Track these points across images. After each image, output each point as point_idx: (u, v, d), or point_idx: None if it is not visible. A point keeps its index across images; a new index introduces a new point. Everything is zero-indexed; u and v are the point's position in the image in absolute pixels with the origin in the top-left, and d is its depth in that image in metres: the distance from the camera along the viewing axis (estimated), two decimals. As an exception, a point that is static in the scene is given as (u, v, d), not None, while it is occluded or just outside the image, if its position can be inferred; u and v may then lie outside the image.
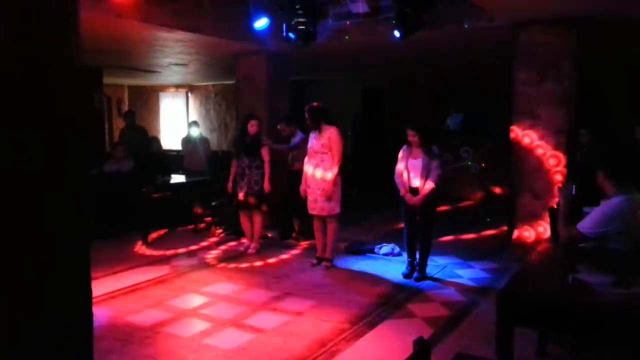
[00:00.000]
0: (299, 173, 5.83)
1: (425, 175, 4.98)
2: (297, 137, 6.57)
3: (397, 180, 5.18)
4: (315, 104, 5.58)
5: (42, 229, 1.70)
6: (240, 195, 6.01)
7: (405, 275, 5.25)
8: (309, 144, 5.55)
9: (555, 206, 3.93)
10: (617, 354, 2.82)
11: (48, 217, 1.72)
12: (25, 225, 1.65)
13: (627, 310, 2.42)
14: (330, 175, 5.37)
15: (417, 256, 5.24)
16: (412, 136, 5.05)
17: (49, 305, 1.75)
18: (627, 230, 3.08)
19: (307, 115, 5.50)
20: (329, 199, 5.40)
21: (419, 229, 5.18)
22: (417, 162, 5.04)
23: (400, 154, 5.19)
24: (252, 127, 6.01)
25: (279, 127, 6.73)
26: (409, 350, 1.85)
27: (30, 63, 1.67)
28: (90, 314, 1.86)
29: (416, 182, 5.04)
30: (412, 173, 5.07)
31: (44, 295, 1.73)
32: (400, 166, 5.16)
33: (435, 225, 5.29)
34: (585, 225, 3.17)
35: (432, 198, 5.05)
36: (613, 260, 3.00)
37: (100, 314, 4.30)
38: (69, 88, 1.78)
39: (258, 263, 5.85)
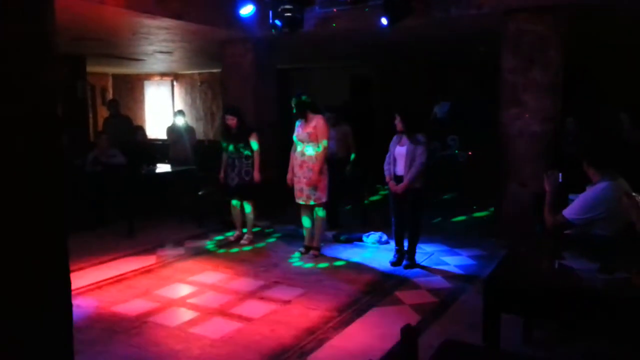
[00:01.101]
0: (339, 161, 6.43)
1: (409, 163, 5.00)
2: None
3: (384, 167, 5.20)
4: (300, 94, 5.52)
5: (17, 219, 1.66)
6: (231, 186, 5.98)
7: (393, 264, 5.27)
8: (295, 133, 5.51)
9: (541, 193, 3.95)
10: (602, 339, 2.86)
11: (23, 207, 1.68)
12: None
13: (611, 296, 2.45)
14: (316, 163, 5.35)
15: (406, 244, 5.27)
16: (397, 121, 5.07)
17: (26, 298, 1.71)
18: (611, 216, 3.11)
19: (297, 105, 5.42)
20: (315, 187, 5.38)
21: (407, 217, 5.20)
22: (402, 150, 5.07)
23: (391, 143, 5.21)
24: (230, 121, 5.93)
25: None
26: (396, 337, 1.85)
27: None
28: (69, 307, 1.83)
29: (401, 170, 5.06)
30: (398, 161, 5.09)
31: (20, 287, 1.69)
32: (388, 154, 5.19)
33: (422, 212, 5.31)
34: (570, 211, 3.20)
35: (418, 186, 5.07)
36: (598, 246, 3.03)
37: (86, 304, 4.27)
38: (44, 76, 1.73)
39: (245, 252, 5.83)
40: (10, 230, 1.62)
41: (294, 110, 5.44)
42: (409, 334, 1.79)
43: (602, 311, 2.42)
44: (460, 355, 1.92)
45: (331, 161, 6.39)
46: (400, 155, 5.07)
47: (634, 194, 3.21)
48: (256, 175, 5.90)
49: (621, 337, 2.58)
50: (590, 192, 3.22)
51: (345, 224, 6.78)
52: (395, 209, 5.24)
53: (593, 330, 2.66)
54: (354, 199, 7.04)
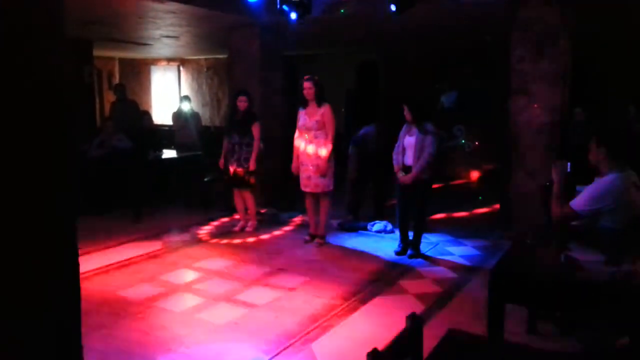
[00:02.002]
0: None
1: (418, 153, 4.97)
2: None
3: (393, 157, 5.18)
4: (312, 77, 5.47)
5: (26, 203, 1.67)
6: (230, 171, 5.97)
7: (398, 253, 5.27)
8: (301, 121, 5.46)
9: (548, 184, 3.92)
10: (607, 330, 2.85)
11: (31, 193, 1.68)
12: (8, 200, 1.61)
13: (617, 288, 2.44)
14: (324, 152, 5.33)
15: (410, 234, 5.26)
16: (405, 111, 5.04)
17: (36, 282, 1.72)
18: (619, 207, 3.08)
19: (315, 88, 5.31)
20: (323, 175, 5.37)
21: (413, 206, 5.19)
22: (412, 140, 5.04)
23: (401, 132, 5.19)
24: (241, 102, 5.90)
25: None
26: (400, 326, 1.85)
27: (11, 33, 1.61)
28: (77, 292, 1.84)
29: (409, 160, 5.03)
30: (407, 151, 5.07)
31: (30, 271, 1.70)
32: (397, 144, 5.17)
33: (429, 203, 5.30)
34: (577, 202, 3.17)
35: (426, 177, 5.05)
36: (605, 238, 3.00)
37: (93, 288, 4.30)
38: (54, 60, 1.72)
39: (251, 239, 5.85)
40: (18, 218, 1.63)
41: (316, 91, 5.32)
42: (414, 323, 1.79)
43: (608, 303, 2.42)
44: (464, 345, 1.92)
45: (372, 156, 6.36)
46: (409, 145, 5.05)
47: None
48: (251, 165, 5.86)
49: (626, 329, 2.58)
50: (598, 183, 3.19)
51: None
52: (401, 199, 5.23)
53: (598, 322, 2.65)
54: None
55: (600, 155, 3.19)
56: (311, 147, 5.39)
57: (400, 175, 5.08)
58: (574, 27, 5.53)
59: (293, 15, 6.01)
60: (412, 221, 5.25)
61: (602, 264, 2.63)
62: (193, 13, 6.61)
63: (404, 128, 5.17)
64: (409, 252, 5.23)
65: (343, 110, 10.44)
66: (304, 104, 5.42)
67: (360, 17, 6.55)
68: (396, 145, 5.20)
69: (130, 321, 3.72)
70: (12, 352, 1.66)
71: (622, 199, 3.08)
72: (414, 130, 5.04)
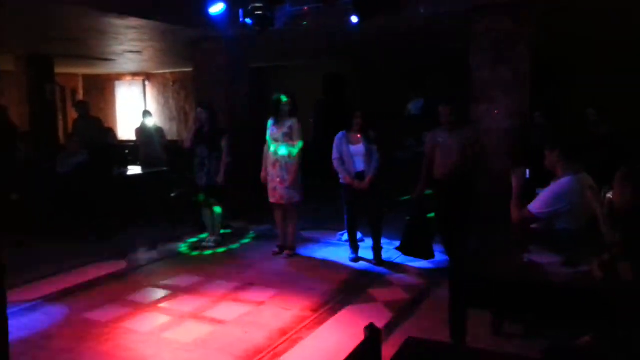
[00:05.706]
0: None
1: (370, 159, 5.13)
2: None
3: (339, 168, 5.24)
4: (279, 94, 5.50)
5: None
6: (201, 185, 5.90)
7: (353, 260, 5.33)
8: (269, 132, 5.47)
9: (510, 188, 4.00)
10: (567, 330, 2.91)
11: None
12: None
13: (574, 288, 2.50)
14: (293, 164, 5.34)
15: (364, 239, 5.35)
16: (357, 117, 5.17)
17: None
18: (574, 209, 3.17)
19: (291, 103, 5.38)
20: (290, 187, 5.37)
21: (371, 212, 5.28)
22: (359, 148, 5.18)
23: (336, 142, 5.25)
24: (200, 115, 5.84)
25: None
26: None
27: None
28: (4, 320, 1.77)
29: (361, 166, 5.15)
30: (356, 158, 5.18)
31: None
32: (338, 154, 5.22)
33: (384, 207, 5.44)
34: (535, 206, 3.25)
35: (379, 181, 5.19)
36: (562, 240, 3.08)
37: (56, 311, 4.19)
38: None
39: (219, 254, 5.78)
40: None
41: (292, 106, 5.39)
42: (372, 333, 1.79)
43: (566, 303, 2.47)
44: (424, 352, 1.93)
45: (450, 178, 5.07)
46: (358, 153, 5.18)
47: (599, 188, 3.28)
48: (219, 178, 5.81)
49: (587, 327, 2.63)
50: (554, 186, 3.28)
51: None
52: (350, 208, 5.32)
53: (557, 321, 2.71)
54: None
55: (555, 159, 3.29)
56: (277, 157, 5.37)
57: (357, 183, 5.15)
58: (532, 33, 5.68)
59: (256, 28, 6.04)
60: (371, 227, 5.32)
61: (560, 265, 2.69)
62: (155, 28, 6.57)
63: (342, 137, 5.23)
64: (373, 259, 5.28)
65: (311, 120, 10.46)
66: (276, 116, 5.42)
67: (323, 28, 6.60)
68: (335, 156, 5.23)
69: (95, 344, 3.62)
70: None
71: (577, 201, 3.17)
72: (358, 137, 5.18)
